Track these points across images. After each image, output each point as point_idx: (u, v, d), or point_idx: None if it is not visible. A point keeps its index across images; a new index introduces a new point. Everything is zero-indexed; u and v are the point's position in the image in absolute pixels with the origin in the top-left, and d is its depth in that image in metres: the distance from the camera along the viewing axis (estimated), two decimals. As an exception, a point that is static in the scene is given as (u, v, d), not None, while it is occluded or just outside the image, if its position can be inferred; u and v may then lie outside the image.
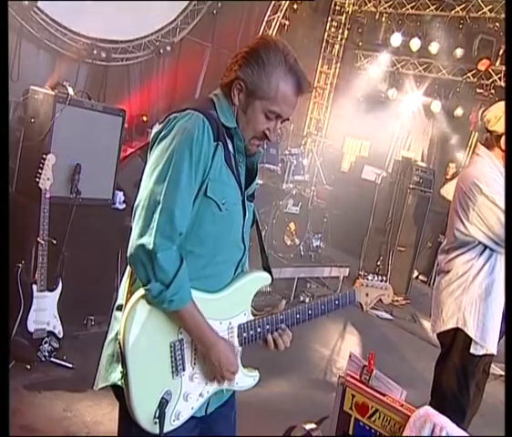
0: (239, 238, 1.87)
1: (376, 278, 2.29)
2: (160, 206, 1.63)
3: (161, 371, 1.74)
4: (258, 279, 1.97)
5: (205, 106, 1.76)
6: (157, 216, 1.63)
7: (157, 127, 1.78)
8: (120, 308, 1.78)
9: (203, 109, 1.72)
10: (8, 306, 1.53)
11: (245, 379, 1.94)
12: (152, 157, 1.72)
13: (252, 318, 1.91)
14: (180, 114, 1.71)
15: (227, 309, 1.85)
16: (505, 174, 2.83)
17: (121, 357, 1.70)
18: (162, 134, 1.72)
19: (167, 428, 1.73)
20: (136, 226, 1.66)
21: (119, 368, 1.71)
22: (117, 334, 1.75)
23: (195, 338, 1.75)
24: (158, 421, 1.69)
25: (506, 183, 2.68)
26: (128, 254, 1.65)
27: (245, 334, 1.88)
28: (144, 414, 1.70)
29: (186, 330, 1.74)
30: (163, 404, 1.70)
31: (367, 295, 2.23)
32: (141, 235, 1.63)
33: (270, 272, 1.99)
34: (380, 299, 2.25)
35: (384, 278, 2.36)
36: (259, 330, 1.90)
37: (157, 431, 1.70)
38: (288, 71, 1.77)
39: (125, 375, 1.69)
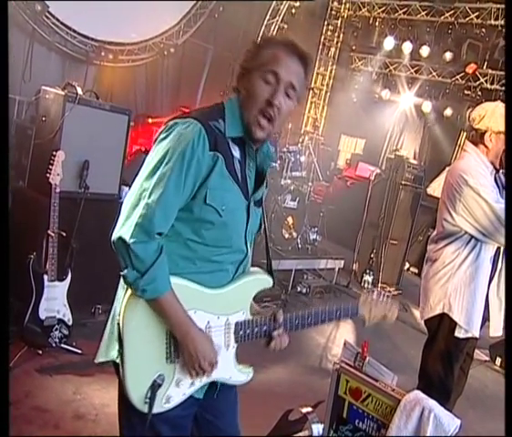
0: (241, 242, 1.84)
1: (382, 294, 2.20)
2: (144, 201, 1.61)
3: (156, 356, 1.73)
4: (259, 281, 1.94)
5: (209, 116, 1.73)
6: (139, 210, 1.60)
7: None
8: (122, 286, 1.76)
9: (204, 119, 1.69)
10: (8, 307, 1.53)
11: (238, 374, 1.92)
12: (148, 156, 1.70)
13: (251, 317, 1.89)
14: (181, 120, 1.69)
15: (225, 306, 1.83)
16: (505, 174, 2.85)
17: (119, 337, 1.70)
18: (161, 137, 1.70)
19: (157, 409, 1.72)
20: (121, 215, 1.64)
21: (117, 346, 1.71)
22: (116, 314, 1.75)
23: (171, 327, 1.70)
24: (148, 401, 1.69)
25: (506, 183, 2.70)
26: (111, 241, 1.64)
27: (242, 332, 1.86)
28: (136, 393, 1.70)
29: (163, 319, 1.70)
30: (155, 387, 1.70)
31: (371, 311, 2.16)
32: (122, 225, 1.62)
33: (272, 276, 1.95)
34: (385, 316, 2.20)
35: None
36: (256, 329, 1.88)
37: (146, 411, 1.70)
38: (278, 40, 1.80)
39: (121, 355, 1.69)
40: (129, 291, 1.69)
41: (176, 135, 1.66)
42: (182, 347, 1.72)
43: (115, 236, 1.62)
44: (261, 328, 1.89)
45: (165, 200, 1.61)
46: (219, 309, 1.81)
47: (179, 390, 1.77)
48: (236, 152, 1.78)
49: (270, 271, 1.96)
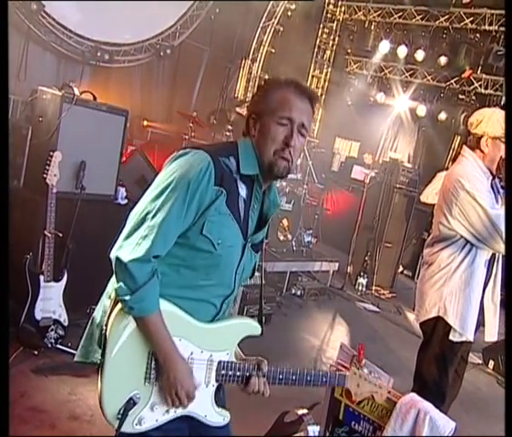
0: (230, 279, 1.85)
1: (373, 373, 2.20)
2: (147, 223, 1.66)
3: (135, 375, 1.74)
4: (247, 327, 1.94)
5: (220, 152, 1.78)
6: (140, 232, 1.65)
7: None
8: (109, 296, 1.80)
9: (215, 154, 1.73)
10: (7, 312, 1.54)
11: (215, 415, 1.90)
12: (157, 178, 1.74)
13: (235, 360, 1.89)
14: (192, 150, 1.74)
15: (210, 342, 1.84)
16: (505, 174, 2.88)
17: (102, 348, 1.73)
18: (170, 161, 1.75)
19: (127, 429, 1.73)
20: (124, 231, 1.69)
21: (98, 354, 1.75)
22: (100, 321, 1.78)
23: (154, 348, 1.73)
24: (119, 418, 1.70)
25: (506, 183, 2.73)
26: (110, 255, 1.69)
27: (223, 371, 1.86)
28: (110, 407, 1.71)
29: (148, 339, 1.72)
30: (129, 405, 1.71)
31: (358, 386, 2.13)
32: (122, 242, 1.67)
33: (261, 324, 1.96)
34: (372, 396, 2.15)
35: (381, 375, 2.26)
36: (238, 373, 1.88)
37: (115, 427, 1.72)
38: (285, 83, 1.82)
39: (101, 365, 1.72)
40: (119, 305, 1.72)
41: (184, 162, 1.71)
42: (162, 370, 1.74)
43: (114, 253, 1.67)
44: (243, 372, 1.89)
45: (166, 226, 1.66)
46: (203, 344, 1.82)
47: (152, 414, 1.77)
48: (243, 191, 1.81)
49: (260, 321, 1.98)
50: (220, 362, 1.86)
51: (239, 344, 1.93)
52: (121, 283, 1.66)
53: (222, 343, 1.87)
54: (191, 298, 1.79)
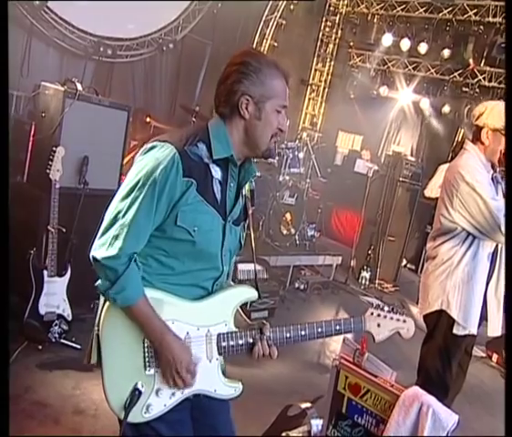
0: (216, 261, 1.86)
1: (394, 310, 2.12)
2: (119, 222, 1.68)
3: (135, 365, 1.75)
4: (241, 293, 1.93)
5: (189, 140, 1.76)
6: (112, 231, 1.68)
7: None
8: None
9: (182, 144, 1.72)
10: (7, 312, 1.54)
11: (224, 387, 1.90)
12: (128, 174, 1.75)
13: (234, 329, 1.89)
14: (159, 143, 1.73)
15: (205, 317, 1.84)
16: (505, 174, 2.86)
17: (97, 346, 1.75)
18: (139, 158, 1.75)
19: (138, 419, 1.75)
20: (100, 230, 1.72)
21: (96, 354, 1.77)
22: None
23: (147, 334, 1.75)
24: (125, 409, 1.73)
25: (506, 183, 2.72)
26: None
27: (225, 343, 1.86)
28: (115, 401, 1.74)
29: (139, 327, 1.74)
30: (134, 395, 1.73)
31: (379, 326, 2.07)
32: (98, 241, 1.70)
33: (257, 288, 1.95)
34: (398, 333, 2.09)
35: (405, 311, 2.15)
36: (241, 342, 1.88)
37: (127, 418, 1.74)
38: (274, 67, 1.83)
39: (100, 363, 1.74)
40: (108, 304, 1.75)
41: (151, 158, 1.71)
42: (159, 354, 1.76)
43: (91, 253, 1.70)
44: (246, 340, 1.89)
45: (136, 224, 1.68)
46: (198, 321, 1.83)
47: (159, 399, 1.78)
48: (217, 173, 1.81)
49: (255, 284, 1.97)
50: (219, 335, 1.86)
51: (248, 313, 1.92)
52: (101, 278, 1.70)
53: (218, 316, 1.87)
54: (181, 284, 1.81)
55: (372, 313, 2.08)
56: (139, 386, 1.74)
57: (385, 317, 2.08)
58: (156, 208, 1.69)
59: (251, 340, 1.88)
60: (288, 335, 1.93)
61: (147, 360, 1.76)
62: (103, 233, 1.70)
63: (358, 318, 2.08)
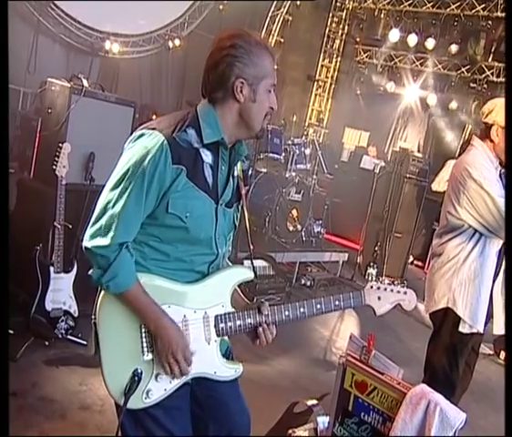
0: (210, 245, 1.85)
1: (395, 283, 2.07)
2: (109, 212, 1.68)
3: (133, 351, 1.76)
4: (236, 274, 1.92)
5: (177, 126, 1.75)
6: (103, 220, 1.68)
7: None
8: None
9: (170, 132, 1.72)
10: (7, 309, 1.54)
11: (225, 369, 1.90)
12: (118, 164, 1.75)
13: (232, 310, 1.88)
14: (147, 131, 1.73)
15: (201, 300, 1.84)
16: (505, 174, 2.84)
17: (95, 336, 1.76)
18: (128, 146, 1.75)
19: (139, 405, 1.76)
20: (91, 220, 1.72)
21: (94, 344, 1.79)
22: None
23: (143, 320, 1.76)
24: (124, 394, 1.73)
25: (506, 183, 2.69)
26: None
27: (222, 325, 1.85)
28: (115, 389, 1.74)
29: (134, 313, 1.75)
30: (134, 381, 1.73)
31: (380, 299, 2.03)
32: (89, 230, 1.70)
33: (253, 269, 1.94)
34: (400, 305, 2.05)
35: (406, 283, 2.13)
36: (239, 322, 1.87)
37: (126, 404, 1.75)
38: (263, 47, 1.82)
39: (98, 353, 1.75)
40: (102, 293, 1.76)
41: (140, 148, 1.70)
42: (155, 339, 1.76)
43: (83, 242, 1.71)
44: (244, 321, 1.88)
45: (126, 214, 1.68)
46: (194, 304, 1.83)
47: (158, 384, 1.78)
48: (208, 157, 1.80)
49: (253, 268, 1.96)
50: (216, 317, 1.85)
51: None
52: (93, 267, 1.71)
53: (214, 298, 1.86)
54: (176, 269, 1.81)
55: (371, 287, 2.04)
56: (139, 371, 1.74)
57: (386, 289, 2.04)
58: (146, 197, 1.69)
59: (250, 321, 1.88)
60: (287, 313, 1.92)
61: (144, 345, 1.77)
62: (94, 223, 1.70)
63: (357, 292, 2.03)
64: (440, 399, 2.13)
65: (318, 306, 1.96)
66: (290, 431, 2.57)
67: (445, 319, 3.10)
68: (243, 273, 1.93)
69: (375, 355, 2.37)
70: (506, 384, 1.79)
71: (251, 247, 2.08)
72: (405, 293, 2.06)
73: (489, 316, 3.10)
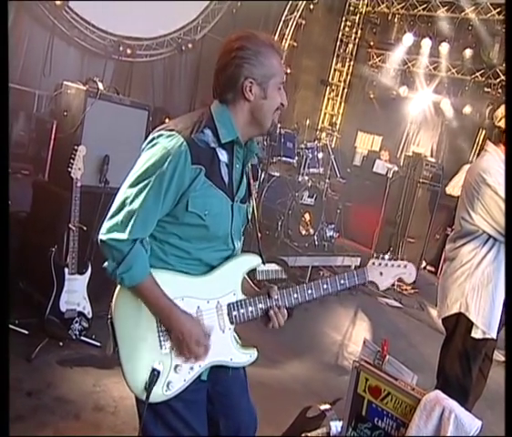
0: (227, 240, 1.91)
1: (395, 258, 2.14)
2: (126, 208, 1.71)
3: (150, 345, 1.79)
4: (246, 261, 1.97)
5: (195, 127, 1.78)
6: (120, 216, 1.71)
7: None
8: None
9: (189, 132, 1.75)
10: (8, 307, 1.56)
11: (240, 355, 1.95)
12: (137, 163, 1.78)
13: (243, 297, 1.93)
14: (166, 132, 1.76)
15: (213, 290, 1.88)
16: (505, 173, 2.82)
17: (112, 333, 1.79)
18: (147, 147, 1.78)
19: (159, 398, 1.79)
20: (108, 214, 1.75)
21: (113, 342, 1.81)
22: None
23: (156, 313, 1.79)
24: (146, 389, 1.76)
25: (506, 183, 2.68)
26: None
27: (235, 313, 1.90)
28: (135, 384, 1.77)
29: (148, 307, 1.78)
30: (154, 375, 1.77)
31: (381, 274, 2.10)
32: (104, 229, 1.73)
33: (261, 256, 1.99)
34: (401, 279, 2.13)
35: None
36: (251, 309, 1.92)
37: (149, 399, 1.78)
38: (270, 46, 1.86)
39: (117, 350, 1.78)
40: (118, 288, 1.79)
41: (160, 148, 1.73)
42: (170, 331, 1.80)
43: (99, 236, 1.74)
44: (256, 307, 1.93)
45: (143, 212, 1.71)
46: (207, 294, 1.87)
47: (178, 376, 1.82)
48: (223, 156, 1.84)
49: (259, 252, 2.01)
50: (229, 305, 1.90)
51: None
52: (108, 260, 1.73)
53: (226, 287, 1.91)
54: (193, 264, 1.85)
55: (373, 263, 2.11)
56: (156, 366, 1.78)
57: (387, 265, 2.11)
58: (164, 197, 1.72)
59: (261, 306, 1.93)
60: (295, 295, 1.98)
61: (161, 339, 1.80)
62: (111, 217, 1.73)
63: (361, 269, 2.09)
64: (455, 405, 2.12)
65: (325, 286, 2.02)
66: (303, 436, 2.57)
67: (458, 324, 3.09)
68: (252, 260, 1.99)
69: (389, 360, 2.36)
70: (506, 384, 1.79)
71: (259, 234, 2.11)
72: (406, 266, 2.14)
73: (502, 322, 3.08)
